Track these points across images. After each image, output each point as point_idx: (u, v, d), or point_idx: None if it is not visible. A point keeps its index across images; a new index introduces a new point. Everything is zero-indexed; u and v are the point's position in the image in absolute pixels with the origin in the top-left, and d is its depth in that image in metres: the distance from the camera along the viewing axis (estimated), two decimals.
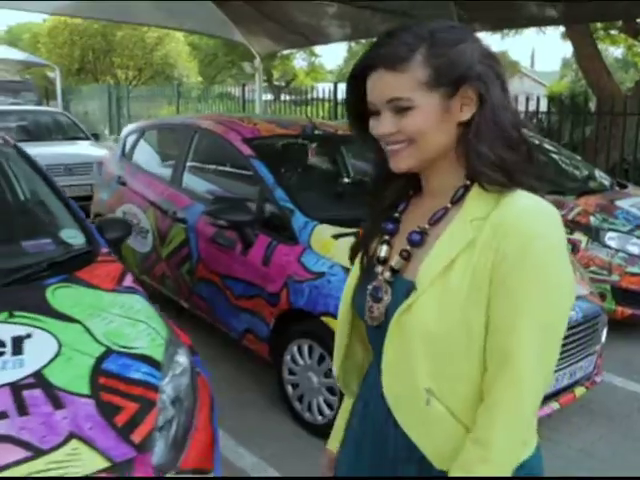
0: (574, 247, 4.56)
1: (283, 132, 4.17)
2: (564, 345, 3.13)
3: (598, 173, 6.00)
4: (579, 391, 3.29)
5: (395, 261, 1.13)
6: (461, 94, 1.04)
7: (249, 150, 3.75)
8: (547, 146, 6.16)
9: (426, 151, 1.07)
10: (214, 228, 3.63)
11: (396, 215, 1.20)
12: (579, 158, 6.43)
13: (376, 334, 1.15)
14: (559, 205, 4.83)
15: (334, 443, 1.36)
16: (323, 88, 13.81)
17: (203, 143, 4.23)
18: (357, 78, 1.09)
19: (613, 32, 12.63)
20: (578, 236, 4.61)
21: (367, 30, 11.53)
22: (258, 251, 3.41)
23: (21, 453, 1.56)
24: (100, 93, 20.97)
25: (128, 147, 5.02)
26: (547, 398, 3.08)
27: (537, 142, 6.13)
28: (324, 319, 2.97)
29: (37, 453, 1.57)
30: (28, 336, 1.89)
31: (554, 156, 5.98)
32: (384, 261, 1.16)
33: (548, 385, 1.05)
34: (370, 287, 1.15)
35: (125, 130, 5.24)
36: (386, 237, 1.18)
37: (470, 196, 1.08)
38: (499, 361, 1.01)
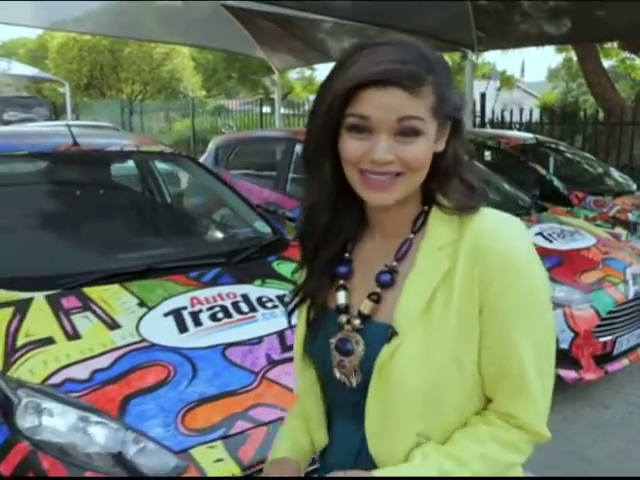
0: (616, 239, 5.31)
1: None
2: (632, 312, 3.86)
3: (622, 177, 6.81)
4: None
5: (364, 306, 1.03)
6: (445, 125, 1.00)
7: None
8: (580, 157, 6.99)
9: (415, 184, 1.00)
10: None
11: (347, 256, 1.10)
12: (609, 165, 7.27)
13: (346, 391, 1.06)
14: (600, 204, 5.62)
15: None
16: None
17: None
18: (350, 90, 0.95)
19: (608, 45, 13.51)
20: (619, 230, 5.36)
21: None
22: None
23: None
24: (111, 108, 21.60)
25: (221, 157, 5.70)
26: (620, 355, 3.80)
27: (571, 154, 6.96)
28: None
29: None
30: (284, 295, 2.58)
31: (591, 164, 6.80)
32: (345, 309, 1.06)
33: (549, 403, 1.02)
34: (334, 340, 1.05)
35: (214, 142, 5.93)
36: (341, 282, 1.08)
37: (431, 222, 1.03)
38: (513, 389, 0.99)
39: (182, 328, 2.22)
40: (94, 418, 1.89)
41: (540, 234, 4.12)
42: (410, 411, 0.98)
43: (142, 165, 3.82)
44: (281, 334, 2.29)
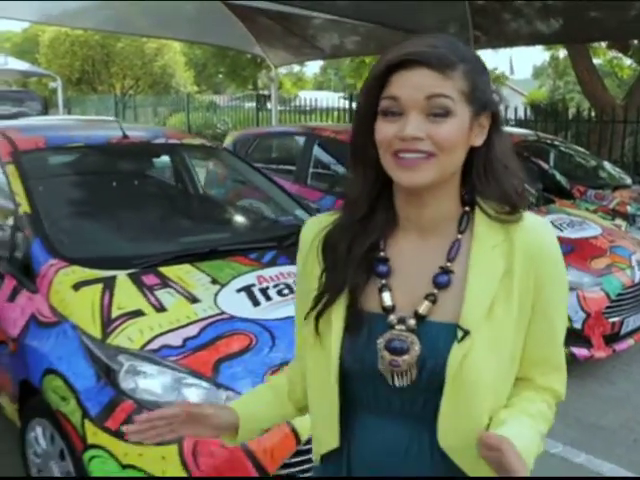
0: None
1: None
2: (636, 296, 4.15)
3: (617, 172, 7.15)
4: None
5: (423, 307, 1.03)
6: (481, 119, 1.01)
7: None
8: (575, 152, 7.30)
9: (447, 168, 1.00)
10: None
11: (382, 255, 1.09)
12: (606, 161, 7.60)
13: (394, 391, 1.05)
14: (601, 197, 5.93)
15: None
16: (305, 97, 14.93)
17: (325, 148, 5.20)
18: (382, 75, 0.98)
19: (595, 44, 13.88)
20: (619, 222, 5.67)
21: (385, 47, 12.58)
22: None
23: None
24: (103, 102, 21.68)
25: (239, 151, 5.90)
26: (626, 335, 4.10)
27: (565, 148, 7.26)
28: None
29: None
30: None
31: (586, 159, 7.11)
32: (392, 309, 1.06)
33: None
34: (382, 340, 1.04)
35: (232, 136, 6.15)
36: (383, 282, 1.07)
37: (477, 223, 1.05)
38: (553, 368, 1.11)
39: (255, 302, 2.46)
40: (189, 380, 2.14)
41: (551, 223, 4.40)
42: (485, 406, 1.02)
43: (178, 157, 4.04)
44: None
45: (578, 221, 4.61)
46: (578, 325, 3.86)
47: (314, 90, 34.22)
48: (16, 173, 2.96)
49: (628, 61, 15.56)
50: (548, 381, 1.10)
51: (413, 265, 1.07)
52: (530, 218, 1.05)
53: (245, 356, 2.21)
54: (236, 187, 4.12)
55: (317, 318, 1.09)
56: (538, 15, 9.45)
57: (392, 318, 1.05)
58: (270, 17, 11.31)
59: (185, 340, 2.22)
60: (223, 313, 2.38)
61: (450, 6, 9.64)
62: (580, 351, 3.90)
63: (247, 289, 2.53)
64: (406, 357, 1.02)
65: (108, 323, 2.26)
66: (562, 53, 21.30)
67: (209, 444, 2.01)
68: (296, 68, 34.27)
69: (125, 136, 3.43)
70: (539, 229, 1.05)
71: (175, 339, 2.21)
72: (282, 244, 3.01)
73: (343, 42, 11.89)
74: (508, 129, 8.44)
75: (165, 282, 2.49)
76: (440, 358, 1.01)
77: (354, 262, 1.07)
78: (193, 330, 2.26)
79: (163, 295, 2.41)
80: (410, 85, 0.96)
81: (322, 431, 1.13)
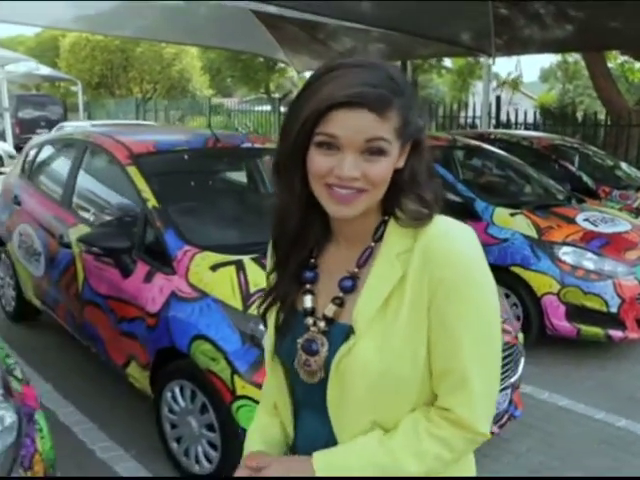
0: None
1: (435, 143, 5.64)
2: None
3: (634, 172, 7.64)
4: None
5: (328, 309, 1.11)
6: (406, 146, 1.06)
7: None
8: (594, 154, 7.78)
9: (376, 199, 1.06)
10: None
11: (312, 262, 1.16)
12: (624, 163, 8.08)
13: (312, 387, 1.13)
14: (625, 197, 6.41)
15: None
16: None
17: None
18: (322, 113, 1.00)
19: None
20: None
21: (407, 52, 13.04)
22: None
23: None
24: (122, 106, 22.24)
25: None
26: None
27: (587, 151, 7.74)
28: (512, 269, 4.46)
29: None
30: None
31: (605, 161, 7.60)
32: (312, 311, 1.13)
33: (495, 404, 1.11)
34: (301, 340, 1.12)
35: None
36: (307, 286, 1.15)
37: (389, 231, 1.09)
38: (454, 385, 1.05)
39: None
40: None
41: (587, 220, 4.90)
42: (362, 401, 1.07)
43: (252, 161, 4.51)
44: None
45: (609, 218, 5.08)
46: (614, 309, 4.34)
47: None
48: (138, 173, 3.44)
49: (638, 64, 16.01)
50: (449, 403, 1.06)
51: (333, 271, 1.14)
52: (441, 225, 1.07)
53: None
54: None
55: (264, 315, 1.22)
56: (557, 24, 9.89)
57: (309, 320, 1.12)
58: (296, 24, 11.72)
59: None
60: None
61: (474, 15, 10.03)
62: (616, 333, 4.38)
63: None
64: (317, 357, 1.10)
65: (247, 297, 2.73)
66: (572, 57, 21.77)
67: None
68: (307, 73, 34.74)
69: (217, 140, 3.92)
70: (444, 233, 1.06)
71: None
72: None
73: (367, 49, 12.31)
74: (534, 133, 8.91)
75: None
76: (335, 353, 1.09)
77: (289, 273, 1.16)
78: None
79: None
80: (350, 127, 0.99)
81: (286, 425, 1.25)
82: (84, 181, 4.06)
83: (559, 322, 4.45)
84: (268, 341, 1.20)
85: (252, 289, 2.77)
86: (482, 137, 6.93)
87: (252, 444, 1.26)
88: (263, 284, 2.67)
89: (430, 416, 1.07)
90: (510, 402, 3.17)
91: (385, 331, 1.05)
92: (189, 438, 2.96)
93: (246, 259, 2.97)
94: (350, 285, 1.11)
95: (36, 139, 5.51)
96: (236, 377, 2.60)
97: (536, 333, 4.54)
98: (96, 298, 3.54)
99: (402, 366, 1.05)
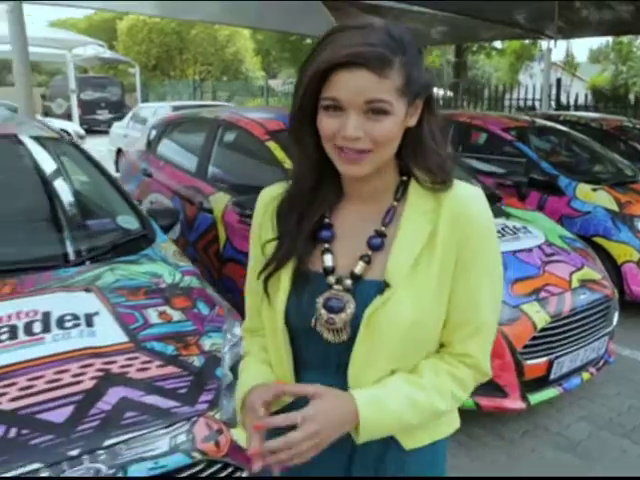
0: None
1: (516, 124, 6.07)
2: (572, 329, 3.28)
3: None
4: (586, 376, 3.40)
5: (359, 267, 1.13)
6: (416, 102, 1.07)
7: (510, 136, 5.67)
8: None
9: (384, 158, 1.08)
10: None
11: (327, 221, 1.18)
12: None
13: (331, 347, 1.14)
14: None
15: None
16: None
17: (465, 131, 6.13)
18: (322, 74, 1.02)
19: None
20: None
21: (469, 35, 13.34)
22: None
23: None
24: (178, 87, 22.91)
25: None
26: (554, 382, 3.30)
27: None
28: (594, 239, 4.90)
29: None
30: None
31: None
32: (332, 270, 1.15)
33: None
34: (321, 299, 1.13)
35: None
36: (325, 245, 1.17)
37: (411, 191, 1.14)
38: (471, 332, 1.14)
39: None
40: None
41: None
42: (392, 353, 1.11)
43: None
44: (540, 247, 3.53)
45: None
46: None
47: None
48: (278, 147, 3.98)
49: None
50: (465, 347, 1.14)
51: (353, 230, 1.16)
52: (461, 188, 1.13)
53: None
54: None
55: (266, 280, 1.19)
56: (620, 5, 10.07)
57: (330, 278, 1.14)
58: (360, 7, 12.04)
59: None
60: None
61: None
62: None
63: None
64: (342, 315, 1.11)
65: None
66: (626, 38, 21.60)
67: None
68: None
69: None
70: (467, 198, 1.12)
71: None
72: None
73: (429, 32, 12.65)
74: (600, 115, 9.20)
75: None
76: (365, 308, 1.10)
77: (303, 233, 1.16)
78: None
79: None
80: (350, 88, 1.01)
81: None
82: (219, 154, 4.62)
83: (637, 288, 4.88)
84: (276, 305, 1.17)
85: None
86: (552, 119, 7.30)
87: (249, 382, 1.21)
88: None
89: (446, 359, 1.16)
90: (606, 349, 3.57)
91: (418, 285, 1.09)
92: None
93: None
94: (379, 243, 1.13)
95: (156, 120, 6.09)
96: None
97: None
98: (238, 256, 4.09)
99: (431, 317, 1.11)
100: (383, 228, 1.14)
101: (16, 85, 6.42)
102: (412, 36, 1.06)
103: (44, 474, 1.65)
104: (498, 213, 3.98)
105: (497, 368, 2.96)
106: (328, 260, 1.15)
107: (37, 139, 3.21)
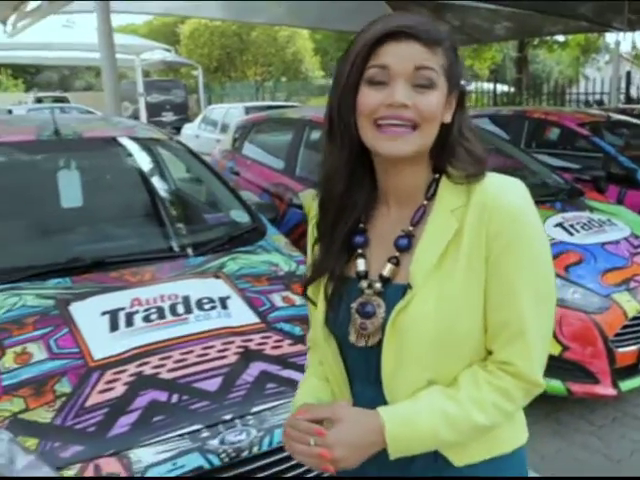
0: None
1: (591, 119, 6.11)
2: None
3: None
4: None
5: (387, 270, 1.10)
6: (451, 97, 1.06)
7: (585, 131, 5.73)
8: None
9: (427, 140, 1.05)
10: None
11: (361, 226, 1.15)
12: None
13: (367, 353, 1.11)
14: None
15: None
16: None
17: (539, 127, 6.20)
18: (372, 45, 1.01)
19: None
20: None
21: (535, 30, 13.27)
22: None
23: None
24: (239, 89, 23.40)
25: None
26: None
27: None
28: None
29: None
30: None
31: None
32: (365, 274, 1.12)
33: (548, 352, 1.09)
34: (355, 305, 1.11)
35: None
36: (359, 251, 1.14)
37: (442, 188, 1.10)
38: (511, 337, 1.04)
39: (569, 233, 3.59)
40: None
41: None
42: (422, 358, 1.05)
43: None
44: (627, 239, 3.63)
45: None
46: None
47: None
48: None
49: None
50: (507, 355, 1.05)
51: (386, 233, 1.13)
52: (494, 179, 1.08)
53: (581, 265, 3.32)
54: None
55: (306, 288, 1.19)
56: None
57: (363, 283, 1.11)
58: (423, 5, 12.14)
59: None
60: (553, 239, 3.49)
61: None
62: None
63: (561, 225, 3.65)
64: (374, 320, 1.08)
65: None
66: None
67: (570, 316, 3.12)
68: None
69: None
70: (500, 188, 1.06)
71: None
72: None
73: (493, 27, 12.66)
74: None
75: None
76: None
77: (338, 241, 1.13)
78: None
79: None
80: (400, 55, 1.00)
81: (339, 395, 1.18)
82: (306, 152, 4.86)
83: None
84: (319, 314, 1.17)
85: None
86: (625, 113, 7.28)
87: (301, 399, 1.21)
88: None
89: (488, 368, 1.07)
90: None
91: (442, 284, 1.04)
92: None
93: None
94: (406, 243, 1.10)
95: (239, 121, 6.38)
96: None
97: None
98: None
99: (460, 319, 1.04)
100: (411, 228, 1.11)
101: (105, 91, 6.84)
102: (447, 30, 1.08)
103: (204, 434, 1.88)
104: (582, 207, 4.09)
105: (589, 355, 3.10)
106: (361, 265, 1.13)
107: (152, 140, 3.50)
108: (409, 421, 1.03)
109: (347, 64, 1.04)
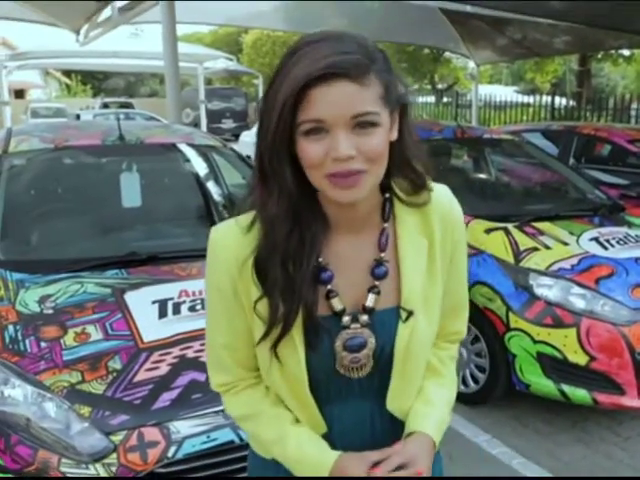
0: None
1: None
2: None
3: None
4: None
5: (370, 300, 1.09)
6: (394, 114, 1.02)
7: (635, 148, 5.74)
8: None
9: (379, 175, 1.02)
10: None
11: (321, 261, 1.08)
12: None
13: (355, 381, 1.13)
14: None
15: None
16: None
17: (589, 143, 6.25)
18: (298, 94, 0.93)
19: None
20: None
21: (595, 44, 13.09)
22: None
23: None
24: None
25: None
26: None
27: None
28: None
29: None
30: None
31: None
32: (343, 311, 1.09)
33: None
34: (339, 342, 1.09)
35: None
36: (328, 287, 1.09)
37: (398, 209, 1.11)
38: (458, 312, 1.25)
39: (604, 247, 3.66)
40: (575, 289, 3.34)
41: None
42: (422, 372, 1.18)
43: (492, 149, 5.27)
44: None
45: None
46: None
47: (485, 84, 34.65)
48: None
49: None
50: (455, 326, 1.26)
51: (350, 263, 1.10)
52: (443, 193, 1.16)
53: (612, 278, 3.39)
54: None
55: (275, 346, 1.07)
56: None
57: (346, 319, 1.09)
58: (482, 20, 12.17)
59: (572, 265, 3.44)
60: (587, 252, 3.58)
61: None
62: None
63: (596, 239, 3.73)
64: (365, 351, 1.09)
65: (518, 254, 3.54)
66: None
67: (598, 327, 3.21)
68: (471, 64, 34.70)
69: (463, 131, 4.77)
70: (448, 197, 1.16)
71: (565, 265, 3.45)
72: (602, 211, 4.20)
73: (552, 41, 12.55)
74: None
75: (540, 231, 3.74)
76: (388, 338, 1.10)
77: (304, 282, 1.05)
78: (574, 260, 3.49)
79: (547, 239, 3.66)
80: (333, 104, 0.93)
81: (308, 423, 1.16)
82: None
83: None
84: (294, 364, 1.09)
85: (521, 248, 3.58)
86: None
87: (325, 448, 1.14)
88: (529, 245, 3.53)
89: (442, 345, 1.25)
90: None
91: (428, 301, 1.12)
92: (459, 364, 3.81)
93: (511, 226, 3.78)
94: (383, 272, 1.10)
95: None
96: (510, 313, 3.39)
97: None
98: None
99: (437, 321, 1.16)
100: (382, 254, 1.10)
101: (167, 98, 7.19)
102: (375, 44, 1.01)
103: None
104: (620, 222, 4.14)
105: (616, 366, 3.17)
106: (337, 303, 1.09)
107: (208, 147, 3.78)
108: (440, 424, 1.17)
109: (273, 112, 0.96)
